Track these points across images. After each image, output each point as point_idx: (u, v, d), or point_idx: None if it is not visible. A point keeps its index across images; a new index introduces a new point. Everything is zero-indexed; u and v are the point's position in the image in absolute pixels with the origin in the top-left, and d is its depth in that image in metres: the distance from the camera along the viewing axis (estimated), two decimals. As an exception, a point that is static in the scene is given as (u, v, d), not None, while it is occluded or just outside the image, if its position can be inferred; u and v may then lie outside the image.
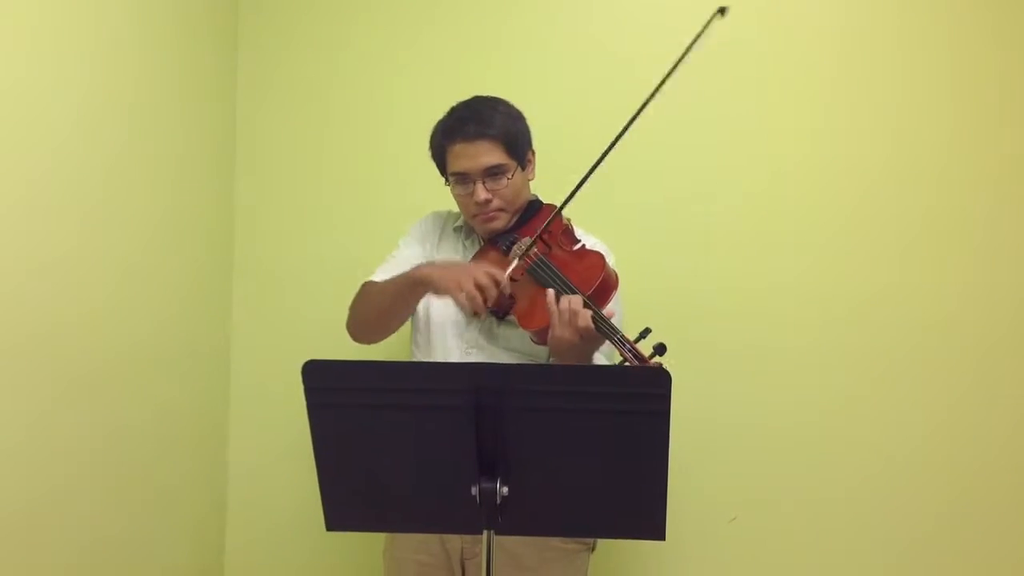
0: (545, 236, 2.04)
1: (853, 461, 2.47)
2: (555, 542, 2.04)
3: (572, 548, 2.08)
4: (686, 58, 1.93)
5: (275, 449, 2.64)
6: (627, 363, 1.84)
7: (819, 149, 2.53)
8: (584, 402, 1.54)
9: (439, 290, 1.97)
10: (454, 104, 2.12)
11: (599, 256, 2.01)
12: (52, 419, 2.02)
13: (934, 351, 2.47)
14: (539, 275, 1.99)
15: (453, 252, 2.17)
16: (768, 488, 2.50)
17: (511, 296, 2.01)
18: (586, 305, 1.88)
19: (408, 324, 2.17)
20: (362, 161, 2.69)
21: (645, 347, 1.86)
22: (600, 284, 1.95)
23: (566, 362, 1.91)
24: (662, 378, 1.54)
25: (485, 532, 1.58)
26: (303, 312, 2.67)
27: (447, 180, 2.13)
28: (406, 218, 2.61)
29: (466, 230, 2.18)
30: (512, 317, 2.04)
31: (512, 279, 1.99)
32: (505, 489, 1.54)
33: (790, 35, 2.55)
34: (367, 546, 2.56)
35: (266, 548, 2.67)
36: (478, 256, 2.12)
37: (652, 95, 1.93)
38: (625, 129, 1.95)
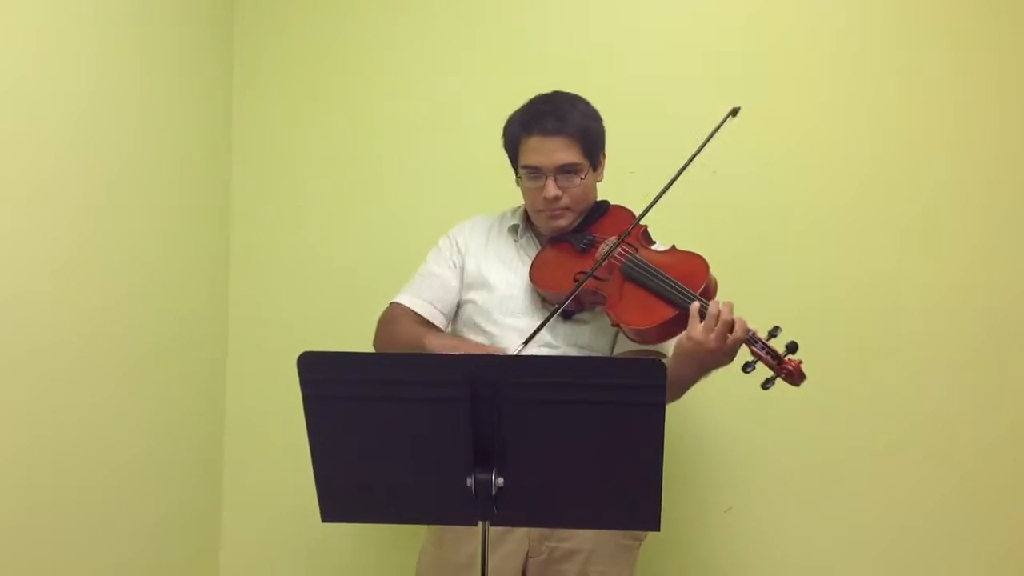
0: (627, 237, 2.01)
1: (848, 451, 2.47)
2: (619, 537, 2.04)
3: (626, 544, 2.07)
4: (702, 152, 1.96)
5: (271, 441, 2.64)
6: (759, 362, 1.85)
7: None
8: (579, 394, 1.55)
9: None
10: (534, 96, 2.09)
11: (701, 259, 1.98)
12: (49, 414, 2.02)
13: (923, 344, 2.48)
14: (636, 274, 1.97)
15: (504, 253, 2.14)
16: (763, 478, 2.50)
17: (597, 292, 1.99)
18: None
19: None
20: (358, 155, 2.68)
21: (777, 345, 1.86)
22: (705, 287, 1.92)
23: (684, 370, 1.89)
24: (657, 370, 1.54)
25: (481, 523, 1.58)
26: (299, 306, 2.67)
27: (517, 172, 2.09)
28: (403, 212, 2.62)
29: (521, 229, 2.15)
30: (581, 316, 2.04)
31: (598, 278, 1.98)
32: (501, 480, 1.54)
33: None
34: (364, 538, 2.57)
35: (262, 539, 2.67)
36: (544, 253, 2.10)
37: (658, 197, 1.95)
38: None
